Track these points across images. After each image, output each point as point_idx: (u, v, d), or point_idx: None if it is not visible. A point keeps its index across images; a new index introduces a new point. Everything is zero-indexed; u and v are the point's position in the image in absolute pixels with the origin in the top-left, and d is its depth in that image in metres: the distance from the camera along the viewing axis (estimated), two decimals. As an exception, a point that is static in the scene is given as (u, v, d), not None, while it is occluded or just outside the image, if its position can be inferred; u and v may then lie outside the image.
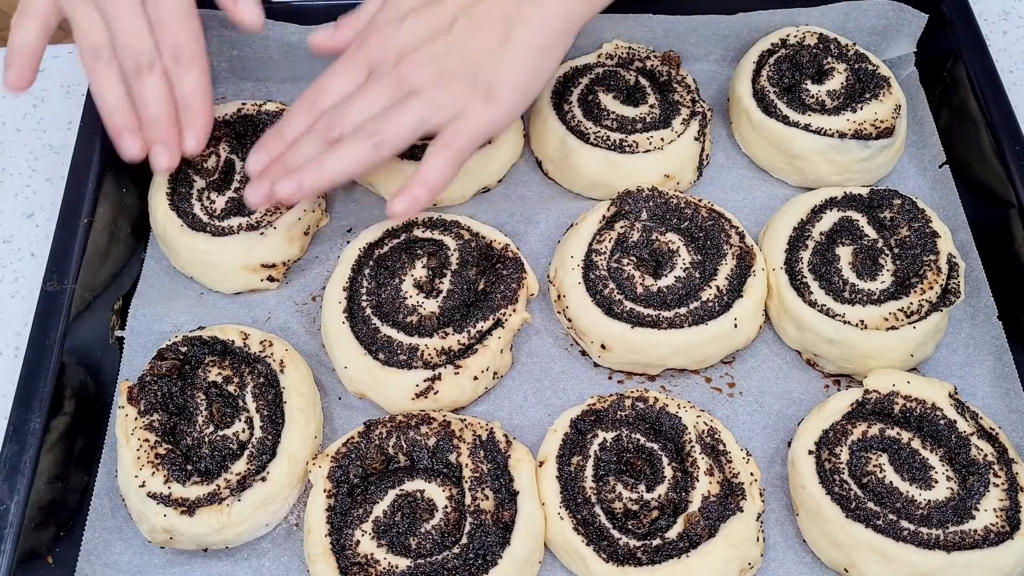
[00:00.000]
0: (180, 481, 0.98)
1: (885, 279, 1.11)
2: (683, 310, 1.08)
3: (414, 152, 1.18)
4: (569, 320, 1.12)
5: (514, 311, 1.09)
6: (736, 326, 1.08)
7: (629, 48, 1.29)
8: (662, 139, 1.21)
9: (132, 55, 1.07)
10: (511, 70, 1.02)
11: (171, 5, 1.08)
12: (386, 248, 1.14)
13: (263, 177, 1.04)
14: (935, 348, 1.11)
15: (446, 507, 0.97)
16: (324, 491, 0.98)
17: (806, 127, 1.21)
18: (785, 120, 1.22)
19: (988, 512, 0.96)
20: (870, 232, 1.14)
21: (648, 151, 1.20)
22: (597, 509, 0.98)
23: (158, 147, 1.08)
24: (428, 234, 1.14)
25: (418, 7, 1.04)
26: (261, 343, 1.07)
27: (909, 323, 1.07)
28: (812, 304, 1.09)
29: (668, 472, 0.99)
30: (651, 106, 1.24)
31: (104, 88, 1.08)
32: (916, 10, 1.29)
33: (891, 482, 0.98)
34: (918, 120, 1.30)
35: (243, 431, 1.02)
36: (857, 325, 1.07)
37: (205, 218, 1.16)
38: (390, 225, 1.15)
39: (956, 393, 1.04)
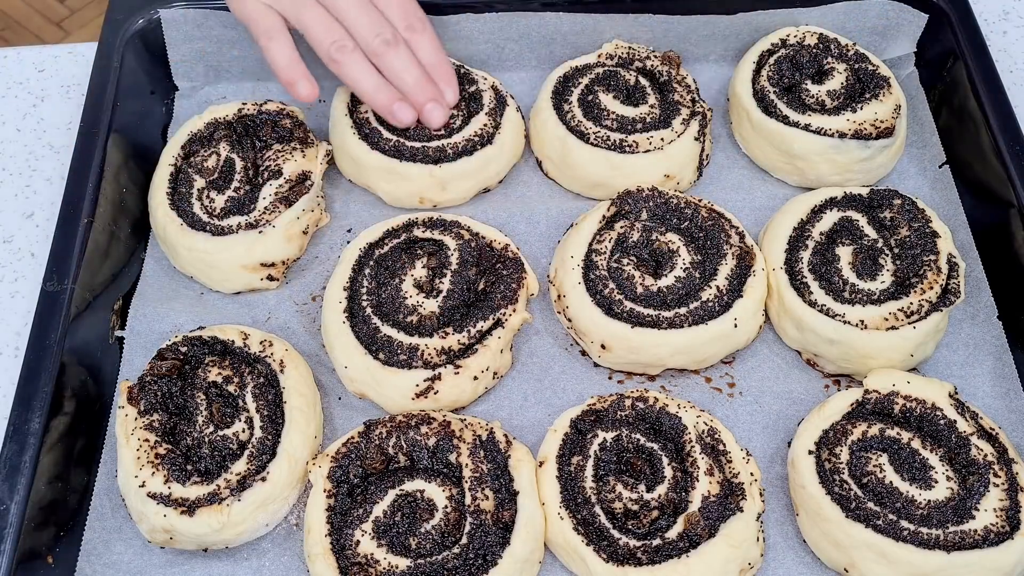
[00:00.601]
0: (180, 481, 0.98)
1: (885, 279, 1.11)
2: (683, 310, 1.08)
3: (413, 157, 1.19)
4: (569, 320, 1.11)
5: (514, 311, 1.09)
6: (736, 326, 1.08)
7: (629, 48, 1.29)
8: (662, 139, 1.21)
9: (374, 36, 1.16)
10: None
11: None
12: (386, 248, 1.13)
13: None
14: (935, 348, 1.11)
15: (446, 507, 0.97)
16: (324, 491, 0.98)
17: (806, 127, 1.21)
18: (785, 120, 1.22)
19: (988, 512, 0.96)
20: (870, 232, 1.14)
21: (648, 151, 1.20)
22: (597, 509, 0.98)
23: (430, 105, 1.18)
24: (428, 234, 1.14)
25: None
26: (261, 343, 1.07)
27: (909, 323, 1.07)
28: (812, 304, 1.09)
29: (668, 472, 0.99)
30: (651, 106, 1.24)
31: (360, 74, 1.16)
32: (916, 10, 1.29)
33: (891, 482, 0.98)
34: (918, 120, 1.30)
35: (243, 431, 1.01)
36: (857, 325, 1.07)
37: (205, 217, 1.16)
38: (390, 225, 1.15)
39: (956, 393, 1.04)
